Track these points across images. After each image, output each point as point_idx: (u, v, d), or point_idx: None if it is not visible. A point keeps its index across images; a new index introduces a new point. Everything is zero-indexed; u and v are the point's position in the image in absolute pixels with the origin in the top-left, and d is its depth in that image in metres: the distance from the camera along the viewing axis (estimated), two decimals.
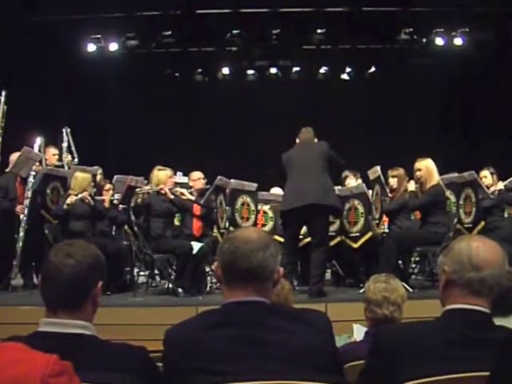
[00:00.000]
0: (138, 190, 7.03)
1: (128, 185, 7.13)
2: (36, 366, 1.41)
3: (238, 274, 1.95)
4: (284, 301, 3.11)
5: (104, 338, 1.93)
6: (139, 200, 6.87)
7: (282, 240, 6.59)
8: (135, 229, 6.83)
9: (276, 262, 2.00)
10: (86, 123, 10.51)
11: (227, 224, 7.29)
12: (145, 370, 1.87)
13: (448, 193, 7.01)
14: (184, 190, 7.27)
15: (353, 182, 7.75)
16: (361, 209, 7.11)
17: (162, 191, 6.89)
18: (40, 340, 1.80)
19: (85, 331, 1.87)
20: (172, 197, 6.95)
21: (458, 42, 11.24)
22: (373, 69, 12.50)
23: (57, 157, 7.73)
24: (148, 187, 6.94)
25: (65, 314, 1.86)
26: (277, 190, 7.85)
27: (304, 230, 6.86)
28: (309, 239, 6.74)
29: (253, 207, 7.46)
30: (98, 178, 7.69)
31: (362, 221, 7.09)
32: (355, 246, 7.11)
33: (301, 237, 6.87)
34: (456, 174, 7.37)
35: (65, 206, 6.68)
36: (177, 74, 12.64)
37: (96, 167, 7.74)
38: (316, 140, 6.69)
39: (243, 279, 1.95)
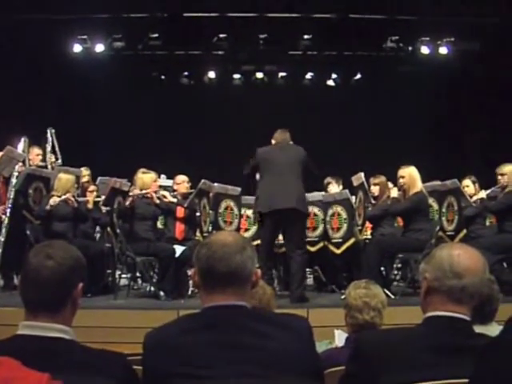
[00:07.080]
0: (130, 193, 6.97)
1: (111, 187, 7.10)
2: None
3: (217, 279, 1.94)
4: (266, 306, 3.11)
5: (84, 340, 1.91)
6: (127, 203, 6.82)
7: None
8: (118, 231, 6.80)
9: (253, 264, 2.00)
10: (70, 124, 10.45)
11: (210, 228, 7.28)
12: (125, 377, 1.85)
13: (431, 200, 7.04)
14: (166, 193, 7.25)
15: (335, 188, 7.79)
16: (344, 215, 7.13)
17: (149, 195, 6.87)
18: (20, 343, 1.79)
19: (64, 335, 1.85)
20: (158, 201, 6.93)
21: (443, 50, 11.32)
22: (358, 75, 12.55)
23: (40, 157, 7.67)
24: (137, 191, 6.90)
25: (44, 317, 1.84)
26: None
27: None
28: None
29: (236, 211, 7.45)
30: (86, 178, 7.64)
31: (344, 227, 7.11)
32: (338, 251, 7.12)
33: (282, 242, 6.84)
34: (439, 182, 7.41)
35: (47, 207, 6.60)
36: (163, 77, 12.61)
37: (84, 168, 7.70)
38: (291, 142, 6.69)
39: (222, 283, 1.94)
